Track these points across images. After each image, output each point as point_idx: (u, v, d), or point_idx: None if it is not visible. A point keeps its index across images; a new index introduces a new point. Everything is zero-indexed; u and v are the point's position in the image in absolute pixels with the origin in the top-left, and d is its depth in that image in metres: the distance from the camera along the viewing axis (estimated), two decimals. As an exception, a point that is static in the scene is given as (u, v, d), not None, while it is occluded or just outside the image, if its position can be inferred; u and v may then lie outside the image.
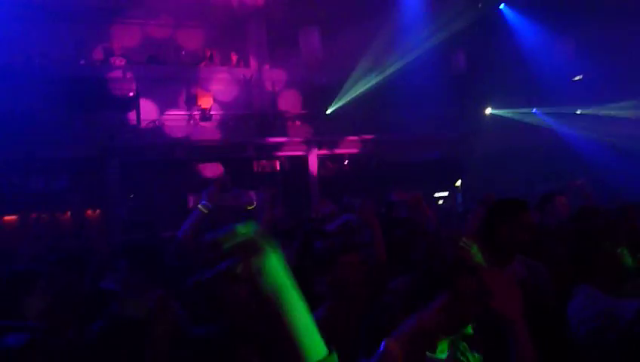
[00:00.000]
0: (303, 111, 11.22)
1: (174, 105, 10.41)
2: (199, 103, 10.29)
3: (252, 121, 10.67)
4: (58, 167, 8.84)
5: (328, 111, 11.13)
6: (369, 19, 9.97)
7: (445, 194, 11.45)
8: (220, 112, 10.65)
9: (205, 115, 10.32)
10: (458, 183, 11.73)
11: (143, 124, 9.80)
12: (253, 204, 4.29)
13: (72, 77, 9.07)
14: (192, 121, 10.31)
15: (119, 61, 9.91)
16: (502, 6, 11.67)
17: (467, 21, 10.41)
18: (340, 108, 11.04)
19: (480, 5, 10.90)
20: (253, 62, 11.33)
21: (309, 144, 10.83)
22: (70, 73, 9.21)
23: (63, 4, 9.28)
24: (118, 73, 9.85)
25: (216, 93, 10.62)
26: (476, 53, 11.48)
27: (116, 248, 4.14)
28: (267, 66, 11.31)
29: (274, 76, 11.31)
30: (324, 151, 11.07)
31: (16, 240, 7.19)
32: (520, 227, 2.40)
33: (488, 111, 12.01)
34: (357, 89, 10.89)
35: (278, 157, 10.80)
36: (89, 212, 9.53)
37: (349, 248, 2.59)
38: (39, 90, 8.37)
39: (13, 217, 9.02)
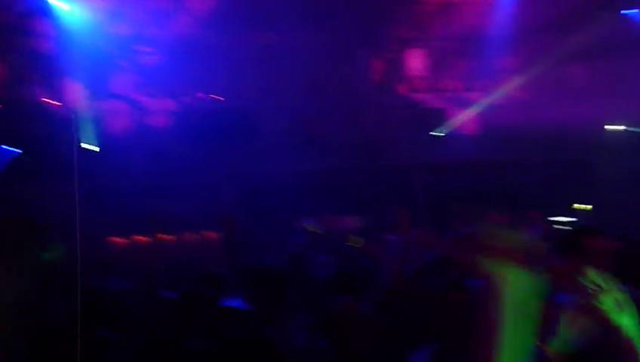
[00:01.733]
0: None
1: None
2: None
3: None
4: (183, 192, 9.64)
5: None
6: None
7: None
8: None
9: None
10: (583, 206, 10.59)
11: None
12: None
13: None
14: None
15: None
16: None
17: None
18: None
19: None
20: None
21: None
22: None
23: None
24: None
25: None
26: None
27: (239, 269, 4.35)
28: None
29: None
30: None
31: (149, 259, 7.92)
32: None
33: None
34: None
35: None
36: (210, 233, 10.20)
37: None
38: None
39: (143, 237, 9.97)
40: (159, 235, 9.74)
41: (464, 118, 10.98)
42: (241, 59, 10.13)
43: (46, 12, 8.81)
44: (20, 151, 9.51)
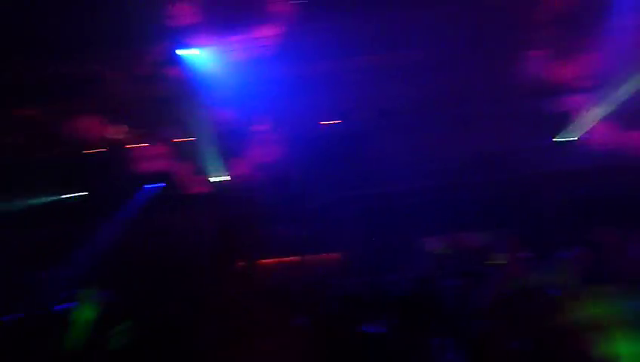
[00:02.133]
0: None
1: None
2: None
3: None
4: (305, 215, 10.07)
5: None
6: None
7: None
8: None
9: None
10: None
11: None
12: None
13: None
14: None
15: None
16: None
17: None
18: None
19: None
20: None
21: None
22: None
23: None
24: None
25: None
26: None
27: (373, 293, 4.43)
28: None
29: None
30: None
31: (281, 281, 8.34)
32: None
33: None
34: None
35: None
36: (333, 255, 10.48)
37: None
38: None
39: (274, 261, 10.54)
40: (285, 258, 10.21)
41: (592, 122, 10.20)
42: (357, 80, 10.36)
43: (176, 59, 9.84)
44: (164, 185, 10.69)
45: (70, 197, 10.94)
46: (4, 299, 7.47)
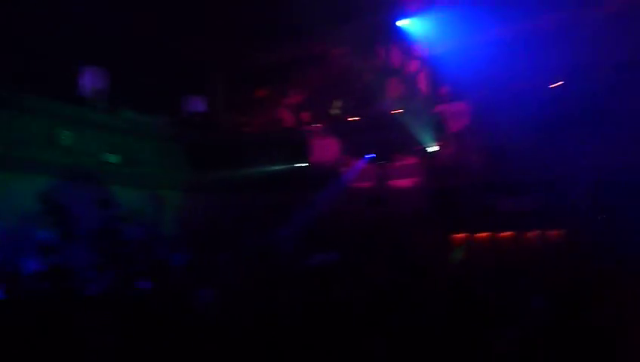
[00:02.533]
0: None
1: None
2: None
3: None
4: (525, 188, 9.35)
5: None
6: None
7: None
8: None
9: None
10: None
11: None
12: None
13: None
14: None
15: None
16: None
17: None
18: None
19: None
20: None
21: None
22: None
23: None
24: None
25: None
26: None
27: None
28: None
29: None
30: None
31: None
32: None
33: None
34: None
35: None
36: (553, 232, 9.59)
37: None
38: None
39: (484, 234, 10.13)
40: (502, 233, 9.69)
41: None
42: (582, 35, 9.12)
43: (393, 32, 10.00)
44: (374, 156, 11.09)
45: (297, 167, 12.03)
46: (251, 256, 8.63)
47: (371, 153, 10.83)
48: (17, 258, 8.29)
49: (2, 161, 9.23)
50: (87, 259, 8.56)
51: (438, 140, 10.21)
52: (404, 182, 10.47)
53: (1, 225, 9.07)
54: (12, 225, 9.18)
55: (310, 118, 12.35)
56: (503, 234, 9.64)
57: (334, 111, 11.95)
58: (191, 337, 2.89)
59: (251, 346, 2.88)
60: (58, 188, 9.88)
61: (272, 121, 12.97)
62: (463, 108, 10.10)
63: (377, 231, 9.58)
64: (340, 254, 7.42)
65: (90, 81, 11.29)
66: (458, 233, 9.98)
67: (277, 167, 12.19)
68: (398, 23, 9.59)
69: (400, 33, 9.96)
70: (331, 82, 11.83)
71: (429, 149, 10.17)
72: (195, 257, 8.52)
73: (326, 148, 11.76)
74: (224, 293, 5.11)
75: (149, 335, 2.73)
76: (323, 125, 11.93)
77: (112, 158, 11.00)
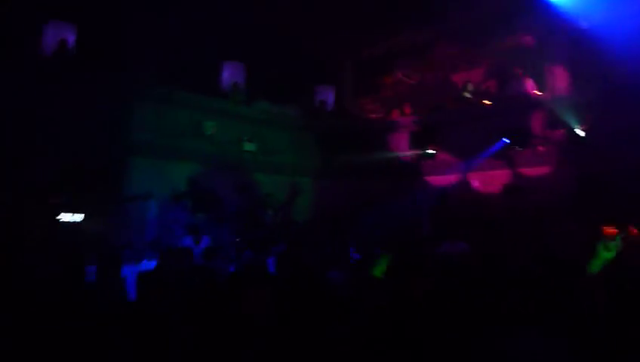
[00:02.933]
0: None
1: None
2: None
3: None
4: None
5: None
6: None
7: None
8: None
9: None
10: None
11: None
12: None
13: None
14: None
15: None
16: None
17: None
18: None
19: None
20: None
21: None
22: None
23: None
24: None
25: None
26: None
27: None
28: None
29: None
30: None
31: None
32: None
33: None
34: None
35: None
36: None
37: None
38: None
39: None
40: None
41: None
42: None
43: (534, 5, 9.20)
44: (508, 141, 10.40)
45: (424, 153, 11.80)
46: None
47: (506, 138, 10.17)
48: (170, 236, 9.28)
49: (157, 149, 10.35)
50: (229, 239, 9.31)
51: (583, 122, 9.23)
52: (543, 169, 9.67)
53: (157, 206, 10.22)
54: (165, 207, 10.29)
55: (440, 102, 11.96)
56: None
57: (466, 95, 11.42)
58: (328, 315, 2.97)
59: (386, 330, 2.87)
60: (204, 175, 10.87)
61: (400, 107, 12.81)
62: (611, 87, 9.01)
63: (513, 222, 8.99)
64: (469, 244, 7.12)
65: (230, 75, 12.17)
66: (609, 226, 8.96)
67: (404, 153, 12.06)
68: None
69: (542, 5, 9.13)
70: (462, 64, 11.31)
71: (574, 132, 9.23)
72: (322, 241, 8.78)
73: (456, 134, 11.32)
74: (355, 276, 5.19)
75: (297, 312, 2.86)
76: (453, 109, 11.49)
77: (250, 147, 11.75)
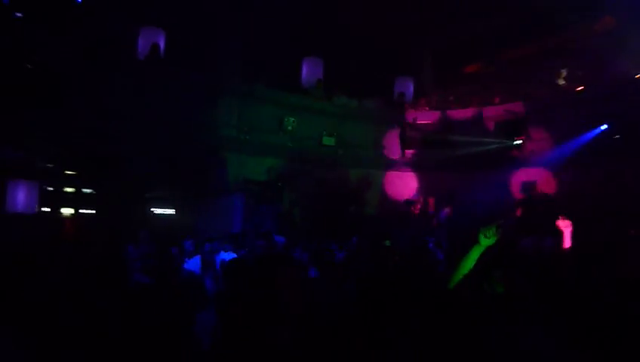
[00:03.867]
0: None
1: None
2: None
3: None
4: None
5: None
6: None
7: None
8: None
9: None
10: None
11: None
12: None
13: None
14: None
15: None
16: None
17: None
18: None
19: None
20: None
21: None
22: None
23: None
24: None
25: None
26: None
27: None
28: None
29: None
30: None
31: None
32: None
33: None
34: None
35: None
36: None
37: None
38: None
39: None
40: None
41: None
42: None
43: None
44: (607, 128, 9.62)
45: (512, 144, 11.28)
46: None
47: (605, 125, 9.40)
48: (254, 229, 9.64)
49: (239, 144, 10.75)
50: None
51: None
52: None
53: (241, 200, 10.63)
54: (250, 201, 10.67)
55: (532, 90, 11.32)
56: None
57: (560, 82, 10.69)
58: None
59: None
60: (285, 168, 11.13)
61: (483, 97, 12.28)
62: None
63: (614, 217, 8.27)
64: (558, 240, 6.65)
65: (309, 71, 12.29)
66: None
67: (489, 145, 11.56)
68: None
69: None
70: (553, 49, 10.57)
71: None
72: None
73: (546, 124, 10.66)
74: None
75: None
76: (546, 97, 10.82)
77: (329, 141, 11.83)
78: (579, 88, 10.22)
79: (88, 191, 9.49)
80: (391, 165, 12.49)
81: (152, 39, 9.98)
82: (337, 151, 11.89)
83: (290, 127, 11.38)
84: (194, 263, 5.44)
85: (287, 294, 2.26)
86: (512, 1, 9.96)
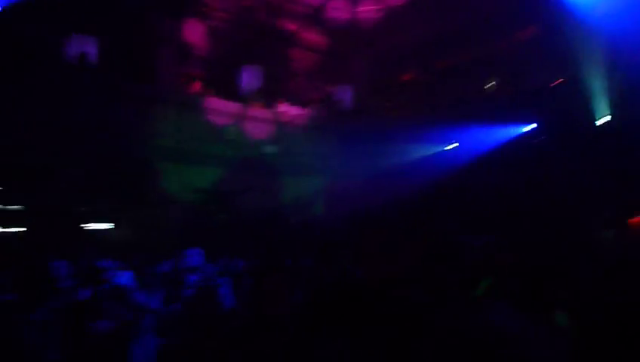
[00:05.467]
0: None
1: None
2: None
3: None
4: None
5: None
6: None
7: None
8: None
9: None
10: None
11: None
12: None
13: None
14: None
15: None
16: None
17: None
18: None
19: None
20: None
21: None
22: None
23: None
24: None
25: None
26: None
27: None
28: None
29: None
30: None
31: None
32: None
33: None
34: None
35: None
36: None
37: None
38: None
39: None
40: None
41: None
42: None
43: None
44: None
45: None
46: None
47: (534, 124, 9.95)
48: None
49: (176, 154, 10.46)
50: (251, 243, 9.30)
51: (615, 110, 8.90)
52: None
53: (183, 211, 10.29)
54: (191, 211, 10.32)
55: (462, 96, 11.80)
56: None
57: (488, 88, 11.26)
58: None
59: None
60: (224, 178, 10.93)
61: (417, 104, 12.69)
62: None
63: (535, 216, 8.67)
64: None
65: (248, 79, 12.24)
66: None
67: (426, 151, 11.96)
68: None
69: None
70: (479, 58, 11.10)
71: (600, 121, 8.96)
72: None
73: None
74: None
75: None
76: (476, 103, 11.32)
77: (270, 149, 11.80)
78: (506, 94, 10.79)
79: (16, 207, 8.93)
80: (332, 172, 12.59)
81: (82, 47, 9.61)
82: (278, 160, 11.87)
83: (230, 136, 11.25)
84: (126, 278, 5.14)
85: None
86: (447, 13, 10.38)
